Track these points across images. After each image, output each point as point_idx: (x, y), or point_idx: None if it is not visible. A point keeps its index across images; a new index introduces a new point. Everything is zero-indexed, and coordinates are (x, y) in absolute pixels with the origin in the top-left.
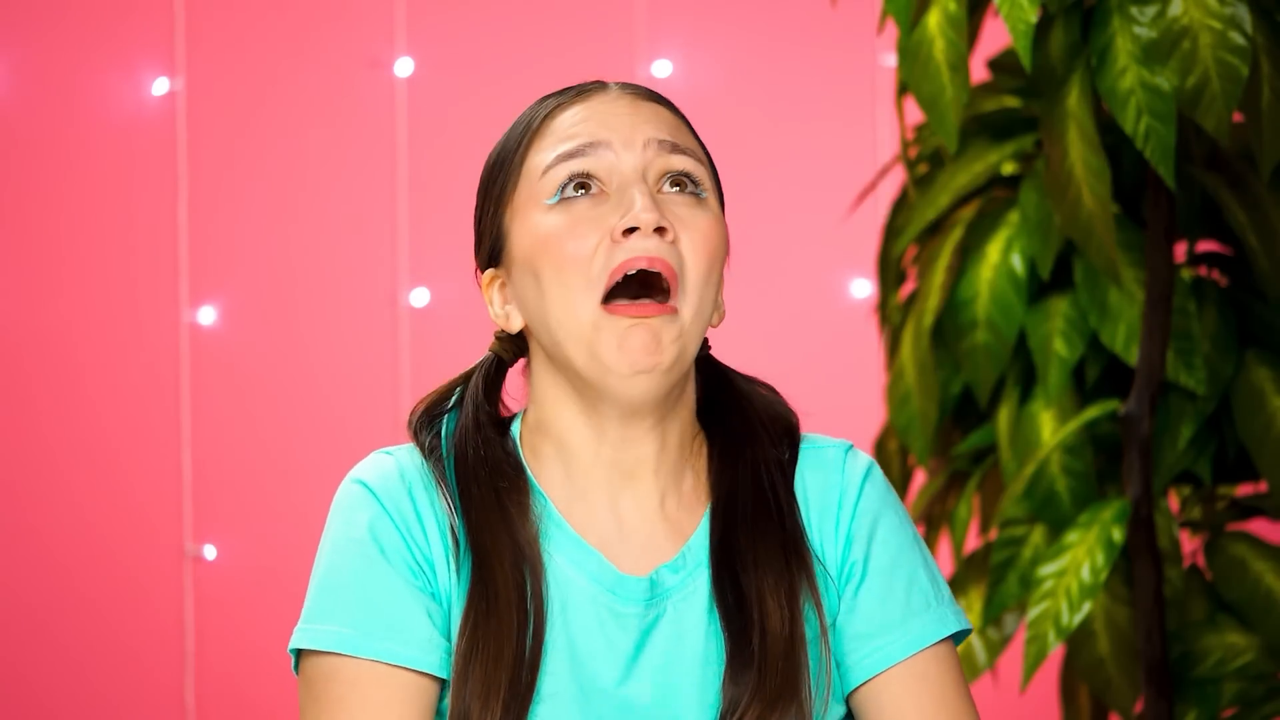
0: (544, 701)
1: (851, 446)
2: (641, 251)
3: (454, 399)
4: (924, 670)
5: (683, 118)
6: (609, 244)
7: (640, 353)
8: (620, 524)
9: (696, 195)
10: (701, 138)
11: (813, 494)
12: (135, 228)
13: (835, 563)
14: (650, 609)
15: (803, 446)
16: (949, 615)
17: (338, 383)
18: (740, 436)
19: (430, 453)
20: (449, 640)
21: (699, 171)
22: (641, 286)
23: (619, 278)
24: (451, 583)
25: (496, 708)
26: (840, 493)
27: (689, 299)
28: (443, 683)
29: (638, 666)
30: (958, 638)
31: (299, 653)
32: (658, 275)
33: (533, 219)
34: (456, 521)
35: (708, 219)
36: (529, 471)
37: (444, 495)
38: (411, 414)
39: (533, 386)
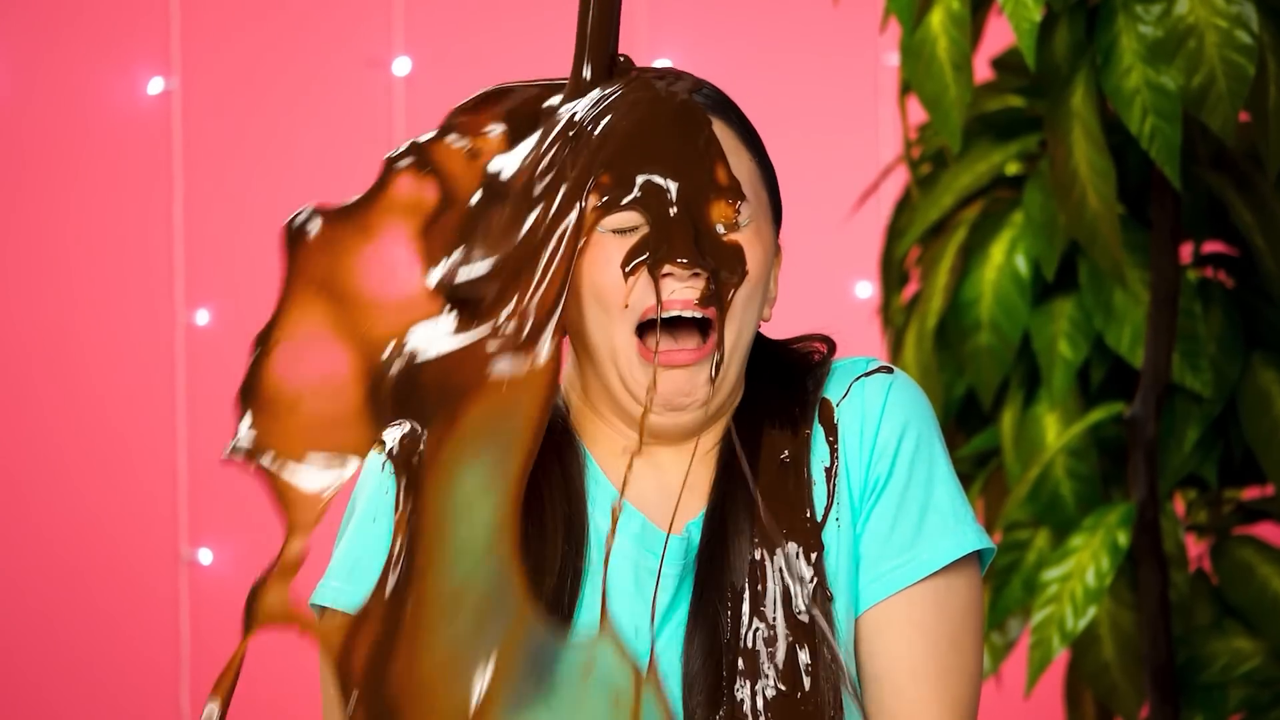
0: None
1: (870, 370)
2: (677, 295)
3: None
4: (932, 598)
5: (732, 123)
6: (646, 276)
7: (674, 395)
8: (661, 484)
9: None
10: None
11: (844, 425)
12: (130, 228)
13: (860, 484)
14: (688, 567)
15: (831, 380)
16: (966, 536)
17: None
18: (758, 408)
19: None
20: None
21: (741, 211)
22: (680, 318)
23: (653, 316)
24: None
25: None
26: (862, 419)
27: (730, 325)
28: None
29: (672, 624)
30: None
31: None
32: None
33: None
34: None
35: (745, 240)
36: (574, 429)
37: None
38: None
39: (573, 366)
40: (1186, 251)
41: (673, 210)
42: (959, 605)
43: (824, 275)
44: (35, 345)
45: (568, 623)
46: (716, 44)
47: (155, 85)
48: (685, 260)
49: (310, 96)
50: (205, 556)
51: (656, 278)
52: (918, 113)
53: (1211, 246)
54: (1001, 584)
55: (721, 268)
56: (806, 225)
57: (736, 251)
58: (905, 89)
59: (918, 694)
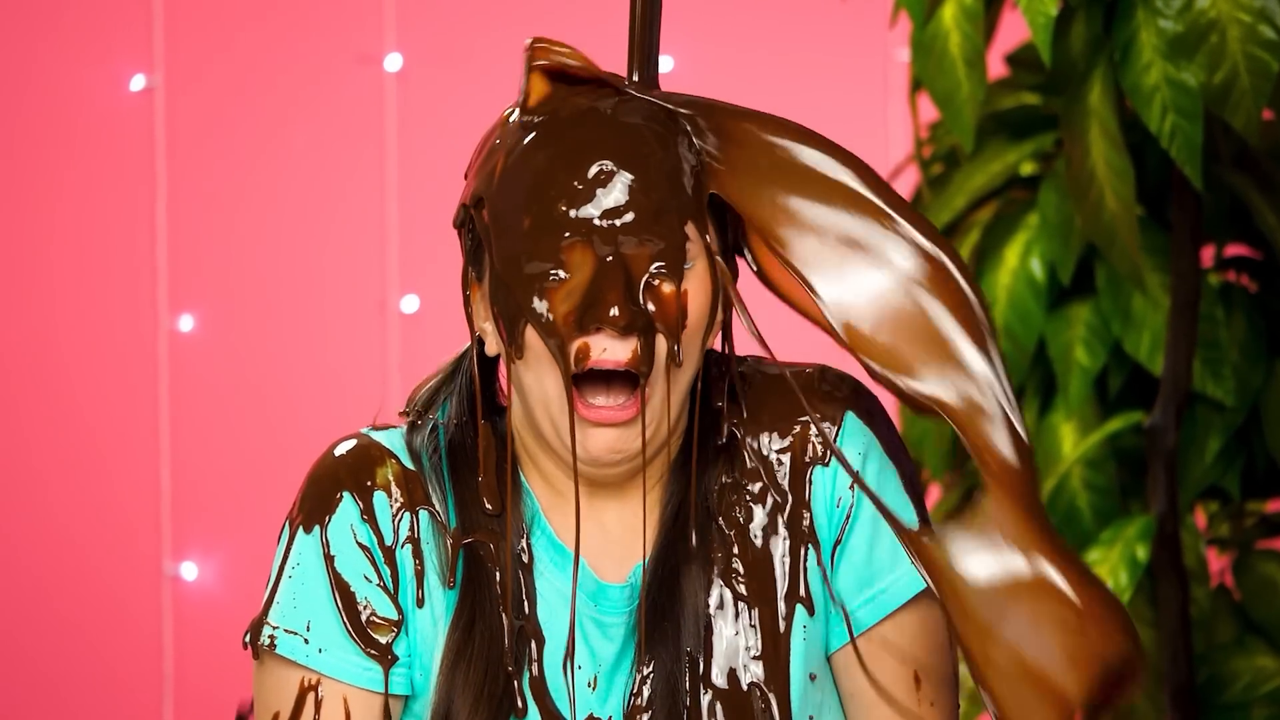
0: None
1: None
2: (609, 354)
3: (449, 385)
4: (917, 616)
5: (681, 143)
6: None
7: (605, 452)
8: (604, 530)
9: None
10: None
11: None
12: (111, 231)
13: (826, 511)
14: (633, 615)
15: None
16: None
17: (324, 394)
18: (704, 441)
19: (420, 449)
20: (408, 656)
21: (674, 258)
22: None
23: (583, 370)
24: (427, 588)
25: (484, 710)
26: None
27: (661, 378)
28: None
29: (619, 675)
30: None
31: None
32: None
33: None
34: (443, 515)
35: (688, 286)
36: (521, 470)
37: (434, 490)
38: (409, 403)
39: (512, 397)
40: (1208, 255)
41: (608, 257)
42: (937, 618)
43: None
44: (12, 352)
45: (517, 676)
46: (719, 39)
47: (137, 82)
48: (616, 320)
49: (299, 93)
50: (189, 571)
51: (578, 346)
52: (929, 111)
53: (1234, 249)
54: None
55: (657, 325)
56: None
57: (674, 305)
58: (916, 86)
59: (923, 711)
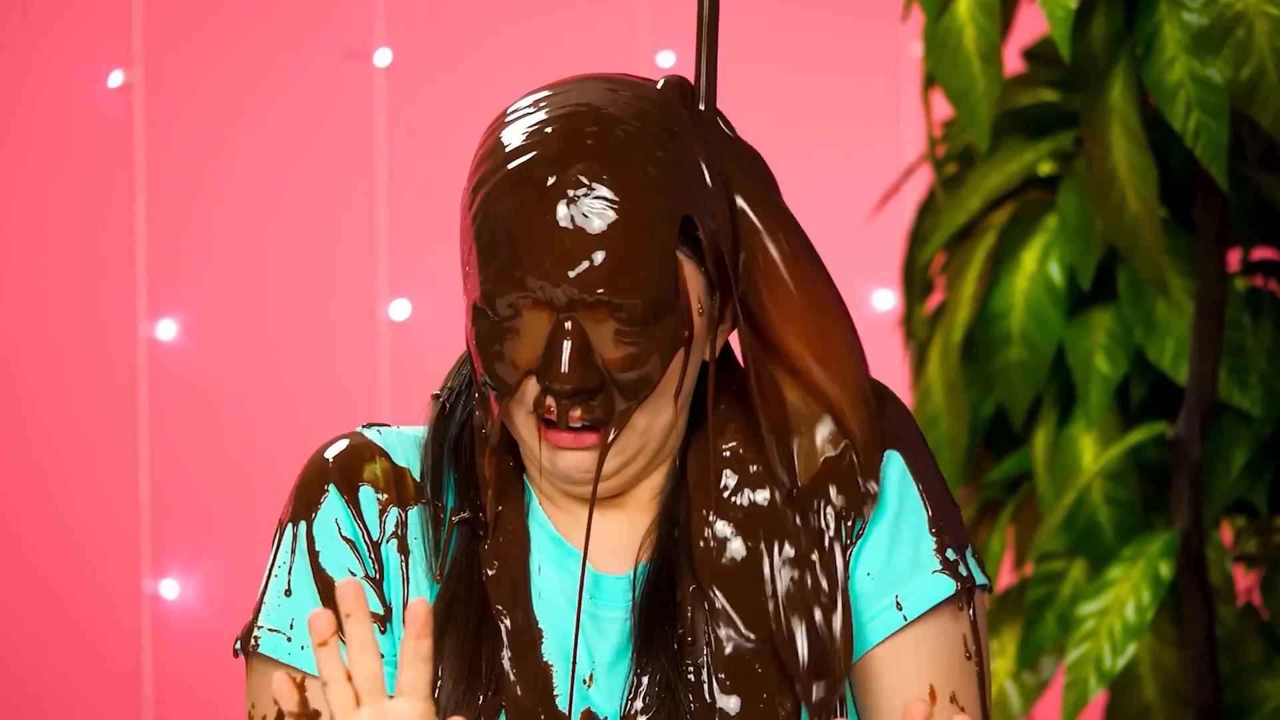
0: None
1: None
2: (565, 424)
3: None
4: (939, 630)
5: (657, 167)
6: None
7: (574, 470)
8: (604, 530)
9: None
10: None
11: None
12: (88, 233)
13: (840, 507)
14: (632, 610)
15: None
16: (966, 565)
17: (311, 403)
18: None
19: (432, 442)
20: (393, 655)
21: (633, 317)
22: None
23: (543, 416)
24: (414, 585)
25: (464, 692)
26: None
27: (626, 434)
28: None
29: (616, 674)
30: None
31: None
32: None
33: (471, 301)
34: (441, 509)
35: (648, 342)
36: (524, 464)
37: (428, 482)
38: (441, 392)
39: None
40: (1234, 258)
41: (567, 324)
42: (957, 630)
43: (841, 284)
44: None
45: (494, 661)
46: (725, 34)
47: (115, 78)
48: (565, 380)
49: (284, 90)
50: (169, 589)
51: (535, 396)
52: (943, 108)
53: (1261, 252)
54: (1034, 619)
55: (614, 386)
56: (822, 229)
57: (632, 367)
58: (929, 82)
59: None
